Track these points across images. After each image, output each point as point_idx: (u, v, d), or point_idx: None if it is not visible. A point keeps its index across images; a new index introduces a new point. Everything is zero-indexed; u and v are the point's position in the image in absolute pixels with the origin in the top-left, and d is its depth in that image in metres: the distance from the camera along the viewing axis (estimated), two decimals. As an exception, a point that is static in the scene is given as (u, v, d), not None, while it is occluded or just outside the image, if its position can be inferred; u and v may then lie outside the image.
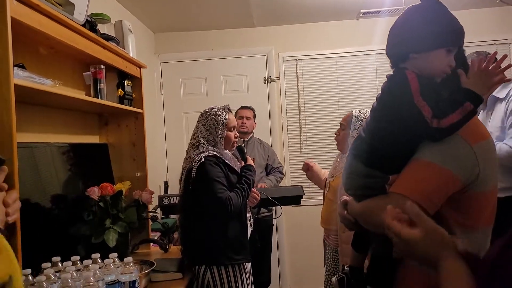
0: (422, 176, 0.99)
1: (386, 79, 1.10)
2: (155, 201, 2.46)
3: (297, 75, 3.70)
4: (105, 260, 1.45)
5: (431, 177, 0.98)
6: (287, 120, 3.73)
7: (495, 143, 1.88)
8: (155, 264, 1.79)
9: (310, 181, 2.60)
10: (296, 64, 3.70)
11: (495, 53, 1.12)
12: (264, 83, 3.74)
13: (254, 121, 3.30)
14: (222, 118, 2.03)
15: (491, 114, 2.15)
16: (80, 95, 1.95)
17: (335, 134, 2.27)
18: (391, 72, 1.11)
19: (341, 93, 3.65)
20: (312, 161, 2.59)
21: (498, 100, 2.14)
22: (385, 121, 1.05)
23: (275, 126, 3.73)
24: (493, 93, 2.13)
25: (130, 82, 2.29)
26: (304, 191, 2.75)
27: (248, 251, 2.04)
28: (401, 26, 1.06)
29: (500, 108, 2.10)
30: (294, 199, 2.73)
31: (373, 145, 1.07)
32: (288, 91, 3.73)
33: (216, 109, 2.05)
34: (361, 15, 3.39)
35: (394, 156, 1.04)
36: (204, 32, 3.71)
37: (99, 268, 1.39)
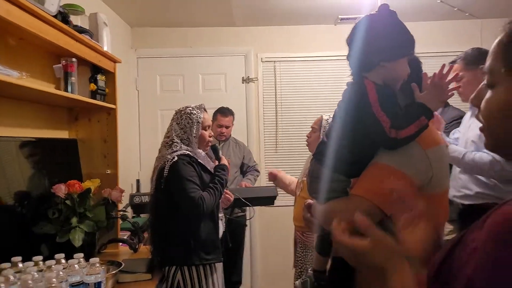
0: (380, 179, 1.04)
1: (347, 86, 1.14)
2: (126, 200, 2.41)
3: (275, 77, 3.72)
4: (70, 261, 1.40)
5: (389, 180, 1.02)
6: (264, 120, 3.73)
7: (476, 152, 1.92)
8: (123, 265, 1.75)
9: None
10: (275, 66, 3.71)
11: (443, 66, 1.15)
12: (243, 83, 3.73)
13: (233, 124, 3.28)
14: (196, 117, 2.01)
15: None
16: (49, 88, 1.88)
17: (307, 137, 2.31)
18: (351, 80, 1.14)
19: (317, 96, 3.69)
20: (278, 169, 2.65)
21: None
22: (346, 127, 1.09)
23: (252, 126, 3.73)
24: None
25: (103, 77, 2.23)
26: (278, 192, 2.76)
27: (220, 251, 2.03)
28: (370, 35, 1.09)
29: None
30: (267, 199, 2.74)
31: (335, 150, 1.10)
32: (266, 92, 3.73)
33: (191, 108, 2.03)
34: (339, 21, 3.44)
35: (355, 160, 1.08)
36: (183, 29, 3.67)
37: (63, 268, 1.34)
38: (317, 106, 3.65)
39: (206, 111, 2.10)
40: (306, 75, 3.71)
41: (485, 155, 1.87)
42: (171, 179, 1.90)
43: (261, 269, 3.72)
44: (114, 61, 2.33)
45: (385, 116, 1.03)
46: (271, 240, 3.66)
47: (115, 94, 2.33)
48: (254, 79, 3.71)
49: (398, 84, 1.11)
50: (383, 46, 1.07)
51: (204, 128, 2.06)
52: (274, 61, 3.71)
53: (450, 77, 1.13)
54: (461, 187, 2.05)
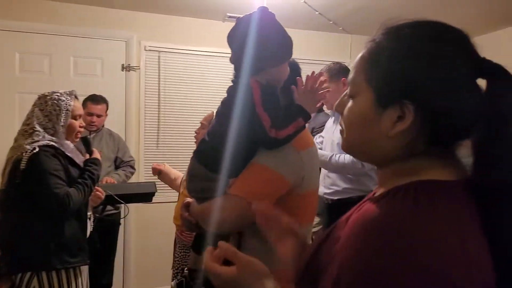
0: (256, 178, 1.08)
1: (232, 84, 1.14)
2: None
3: (159, 67, 3.55)
4: None
5: (264, 180, 1.08)
6: (145, 113, 3.53)
7: (340, 154, 2.18)
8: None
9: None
10: (159, 56, 3.54)
11: (313, 73, 1.26)
12: (122, 70, 3.47)
13: (106, 114, 3.01)
14: (66, 104, 1.80)
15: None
16: None
17: (195, 133, 2.26)
18: (235, 78, 1.15)
19: (204, 91, 3.64)
20: (163, 163, 2.55)
21: None
22: (228, 125, 1.09)
23: (131, 117, 3.49)
24: None
25: None
26: (157, 188, 2.64)
27: (87, 253, 1.86)
28: (254, 41, 1.10)
29: None
30: (145, 196, 2.60)
31: (215, 149, 1.10)
32: (149, 82, 3.53)
33: (59, 94, 1.80)
34: (227, 18, 3.47)
35: (234, 160, 1.09)
36: (52, 2, 3.23)
37: None
38: (203, 102, 3.61)
39: (77, 98, 1.90)
40: (192, 69, 3.63)
41: (347, 156, 2.14)
42: (30, 172, 1.67)
43: (135, 270, 3.52)
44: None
45: (267, 115, 1.05)
46: (149, 239, 3.48)
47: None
48: (135, 67, 3.48)
49: (280, 85, 1.16)
50: (269, 53, 1.10)
51: (74, 118, 1.86)
52: (159, 51, 3.53)
53: (318, 84, 1.23)
54: (330, 184, 2.32)
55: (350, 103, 0.66)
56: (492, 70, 0.59)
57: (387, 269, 0.49)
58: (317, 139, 2.46)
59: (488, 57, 0.60)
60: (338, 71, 2.39)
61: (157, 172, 2.47)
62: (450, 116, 0.58)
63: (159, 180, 2.84)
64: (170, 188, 3.25)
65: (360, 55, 0.66)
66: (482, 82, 0.60)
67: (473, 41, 0.61)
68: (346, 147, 0.69)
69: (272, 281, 0.66)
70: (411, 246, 0.49)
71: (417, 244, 0.49)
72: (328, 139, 2.38)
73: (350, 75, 0.66)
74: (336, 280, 0.54)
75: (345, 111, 0.66)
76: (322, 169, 2.35)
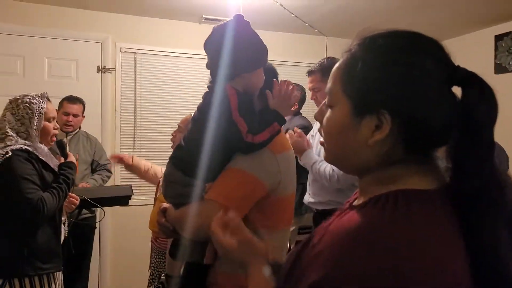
0: (233, 183, 1.09)
1: (207, 90, 1.15)
2: None
3: (135, 69, 3.52)
4: None
5: (241, 184, 1.09)
6: (121, 115, 3.49)
7: (323, 163, 2.05)
8: None
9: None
10: (135, 57, 3.52)
11: (286, 81, 1.27)
12: (98, 72, 3.42)
13: (83, 115, 2.97)
14: (38, 107, 1.77)
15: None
16: None
17: (172, 135, 2.25)
18: (211, 84, 1.16)
19: (181, 94, 3.63)
20: (130, 155, 2.52)
21: None
22: (204, 131, 1.10)
23: (107, 120, 3.45)
24: None
25: None
26: (134, 191, 2.62)
27: (60, 259, 1.83)
28: (230, 48, 1.12)
29: None
30: (121, 199, 2.57)
31: (191, 154, 1.11)
32: (125, 84, 3.50)
33: (30, 97, 1.77)
34: (203, 20, 3.47)
35: (211, 165, 1.10)
36: (25, 3, 3.16)
37: None
38: (180, 103, 3.59)
39: (50, 101, 1.86)
40: (169, 71, 3.61)
41: (328, 167, 2.03)
42: (3, 177, 1.64)
43: (111, 274, 3.47)
44: None
45: (243, 121, 1.07)
46: (125, 243, 3.44)
47: None
48: (111, 69, 3.44)
49: (256, 92, 1.18)
50: (243, 59, 1.12)
51: (48, 120, 1.83)
52: (135, 52, 3.51)
53: (291, 89, 1.24)
54: (313, 194, 2.22)
55: (328, 113, 0.67)
56: (466, 78, 0.59)
57: (367, 277, 0.50)
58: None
59: (458, 60, 0.62)
60: (331, 68, 2.24)
61: (119, 160, 2.44)
62: (426, 124, 0.59)
63: (136, 182, 2.83)
64: (146, 192, 3.25)
65: (336, 65, 0.68)
66: (458, 90, 0.61)
67: (447, 50, 0.62)
68: (327, 157, 0.70)
69: (265, 263, 0.70)
70: (390, 255, 0.51)
71: (396, 253, 0.51)
72: (317, 145, 2.23)
73: (328, 85, 0.68)
74: (314, 286, 0.55)
75: (324, 120, 0.68)
76: (308, 176, 2.26)
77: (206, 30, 1.22)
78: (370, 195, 0.61)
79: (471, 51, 3.53)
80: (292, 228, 2.32)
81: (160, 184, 2.23)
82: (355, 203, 0.67)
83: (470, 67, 0.61)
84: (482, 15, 3.26)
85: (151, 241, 2.30)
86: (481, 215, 0.56)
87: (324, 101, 0.69)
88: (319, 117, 0.70)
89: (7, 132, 1.70)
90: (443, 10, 3.12)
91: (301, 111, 2.94)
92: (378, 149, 0.61)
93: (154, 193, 2.35)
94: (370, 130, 0.60)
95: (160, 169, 2.48)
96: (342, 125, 0.63)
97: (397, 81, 0.59)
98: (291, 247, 2.32)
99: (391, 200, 0.57)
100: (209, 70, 1.18)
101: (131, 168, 2.45)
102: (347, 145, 0.64)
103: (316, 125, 2.43)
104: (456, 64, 0.62)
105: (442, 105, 0.59)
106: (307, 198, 2.27)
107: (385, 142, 0.60)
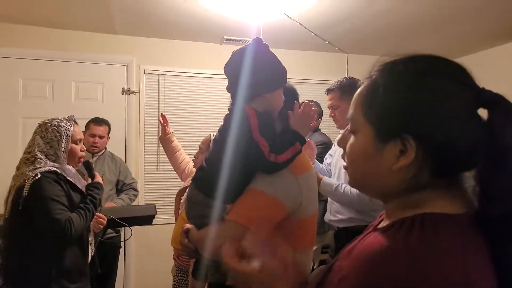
0: (253, 204, 1.08)
1: (228, 112, 1.17)
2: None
3: (158, 90, 3.61)
4: None
5: (261, 205, 1.08)
6: (144, 135, 3.57)
7: (346, 185, 2.00)
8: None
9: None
10: (158, 79, 3.61)
11: (308, 103, 1.28)
12: (123, 94, 3.52)
13: (108, 136, 3.04)
14: (66, 130, 1.82)
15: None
16: None
17: (194, 157, 2.27)
18: (232, 106, 1.18)
19: (202, 113, 3.68)
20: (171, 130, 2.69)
21: None
22: (225, 152, 1.10)
23: (131, 140, 3.53)
24: None
25: None
26: (157, 211, 2.64)
27: (88, 278, 1.86)
28: (249, 70, 1.14)
29: None
30: (146, 219, 2.59)
31: (213, 176, 1.11)
32: (148, 105, 3.59)
33: (58, 120, 1.83)
34: (224, 41, 3.54)
35: (232, 186, 1.10)
36: (55, 30, 3.31)
37: None
38: (202, 124, 3.64)
39: (77, 123, 1.92)
40: (191, 92, 3.68)
41: (354, 190, 1.96)
42: (32, 199, 1.68)
43: (136, 292, 3.49)
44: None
45: (264, 140, 1.07)
46: (149, 261, 3.47)
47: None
48: (135, 91, 3.54)
49: (276, 112, 1.19)
50: (262, 80, 1.13)
51: (75, 142, 1.88)
52: (158, 74, 3.60)
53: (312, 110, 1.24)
54: (335, 212, 2.18)
55: (351, 139, 0.66)
56: (491, 100, 0.58)
57: None
58: (327, 159, 2.37)
59: (487, 74, 0.61)
60: (350, 88, 2.12)
61: (164, 120, 2.61)
62: (451, 148, 0.58)
63: (159, 201, 2.85)
64: (169, 211, 3.27)
65: (357, 91, 0.67)
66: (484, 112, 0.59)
67: (470, 72, 0.61)
68: (352, 182, 0.69)
69: (289, 285, 0.67)
70: (418, 279, 0.50)
71: (422, 279, 0.50)
72: (336, 164, 2.23)
73: (350, 112, 0.67)
74: None
75: (347, 147, 0.67)
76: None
77: (227, 50, 1.25)
78: (394, 218, 0.60)
79: (500, 64, 3.46)
80: (315, 248, 2.28)
81: (181, 202, 2.26)
82: (380, 225, 0.66)
83: (499, 81, 0.60)
84: (510, 28, 3.19)
85: (174, 258, 2.31)
86: (510, 241, 0.55)
87: (347, 127, 0.69)
88: (342, 143, 0.69)
89: (36, 155, 1.76)
90: (469, 24, 3.06)
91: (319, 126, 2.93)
92: (403, 175, 0.60)
93: (174, 210, 2.37)
94: (395, 155, 0.59)
95: (188, 160, 2.60)
96: (366, 151, 0.63)
97: (419, 105, 0.58)
98: (315, 266, 2.28)
99: (417, 224, 0.55)
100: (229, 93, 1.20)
101: (164, 140, 2.60)
102: (371, 171, 0.64)
103: (336, 143, 2.41)
104: (483, 79, 0.61)
105: (467, 128, 0.58)
106: (328, 216, 2.24)
107: (410, 168, 0.59)
